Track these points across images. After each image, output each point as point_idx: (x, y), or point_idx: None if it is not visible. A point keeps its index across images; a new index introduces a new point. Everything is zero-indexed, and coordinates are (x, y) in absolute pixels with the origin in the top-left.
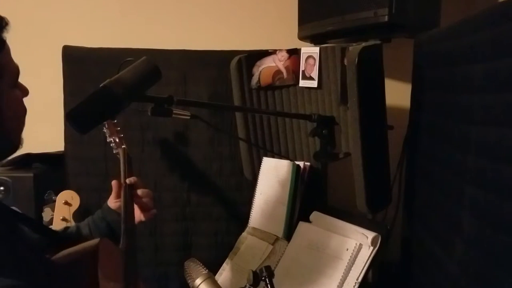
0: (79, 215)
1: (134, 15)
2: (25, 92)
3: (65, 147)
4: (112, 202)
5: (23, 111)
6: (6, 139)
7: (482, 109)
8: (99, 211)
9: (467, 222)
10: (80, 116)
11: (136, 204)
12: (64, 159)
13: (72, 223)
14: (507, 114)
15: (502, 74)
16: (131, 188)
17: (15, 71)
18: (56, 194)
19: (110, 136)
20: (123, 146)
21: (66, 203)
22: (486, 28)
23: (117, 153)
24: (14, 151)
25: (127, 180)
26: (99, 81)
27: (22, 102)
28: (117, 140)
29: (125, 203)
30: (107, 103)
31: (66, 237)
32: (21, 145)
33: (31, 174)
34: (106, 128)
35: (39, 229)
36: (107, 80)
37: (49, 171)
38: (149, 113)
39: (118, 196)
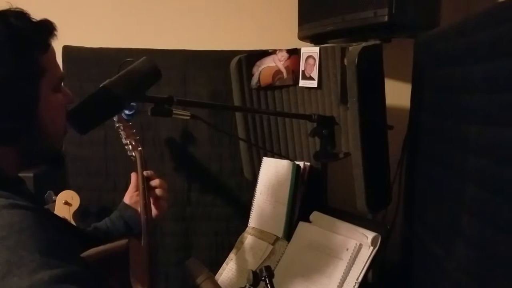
0: (79, 215)
1: (134, 15)
2: (68, 98)
3: (65, 147)
4: (128, 197)
5: (62, 115)
6: (44, 142)
7: (482, 109)
8: (116, 211)
9: (467, 222)
10: (80, 116)
11: (150, 196)
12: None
13: (72, 223)
14: (507, 114)
15: (502, 74)
16: (148, 181)
17: (58, 75)
18: (56, 194)
19: (126, 139)
20: (139, 149)
21: (66, 203)
22: (486, 28)
23: (132, 156)
24: (55, 158)
25: (144, 173)
26: (99, 81)
27: (63, 107)
28: (133, 142)
29: (144, 197)
30: (107, 103)
31: (92, 236)
32: (62, 154)
33: (31, 174)
34: (121, 130)
35: (67, 226)
36: (107, 80)
37: (49, 171)
38: (149, 113)
39: (136, 188)
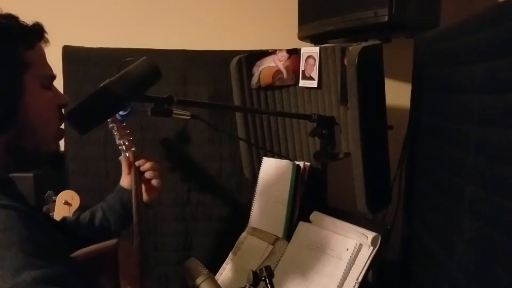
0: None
1: (134, 15)
2: (60, 99)
3: (65, 147)
4: (125, 180)
5: (52, 114)
6: (34, 141)
7: (482, 109)
8: (112, 194)
9: (467, 222)
10: (80, 116)
11: (142, 183)
12: (64, 159)
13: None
14: (507, 114)
15: (502, 74)
16: (140, 172)
17: (46, 73)
18: (56, 194)
19: (119, 139)
20: (132, 149)
21: (66, 203)
22: (486, 28)
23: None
24: (50, 160)
25: (136, 163)
26: (99, 81)
27: (52, 105)
28: (126, 143)
29: (136, 188)
30: (107, 103)
31: (82, 235)
32: (59, 156)
33: (31, 174)
34: (115, 130)
35: (57, 227)
36: (107, 80)
37: (49, 171)
38: (149, 113)
39: (128, 172)
